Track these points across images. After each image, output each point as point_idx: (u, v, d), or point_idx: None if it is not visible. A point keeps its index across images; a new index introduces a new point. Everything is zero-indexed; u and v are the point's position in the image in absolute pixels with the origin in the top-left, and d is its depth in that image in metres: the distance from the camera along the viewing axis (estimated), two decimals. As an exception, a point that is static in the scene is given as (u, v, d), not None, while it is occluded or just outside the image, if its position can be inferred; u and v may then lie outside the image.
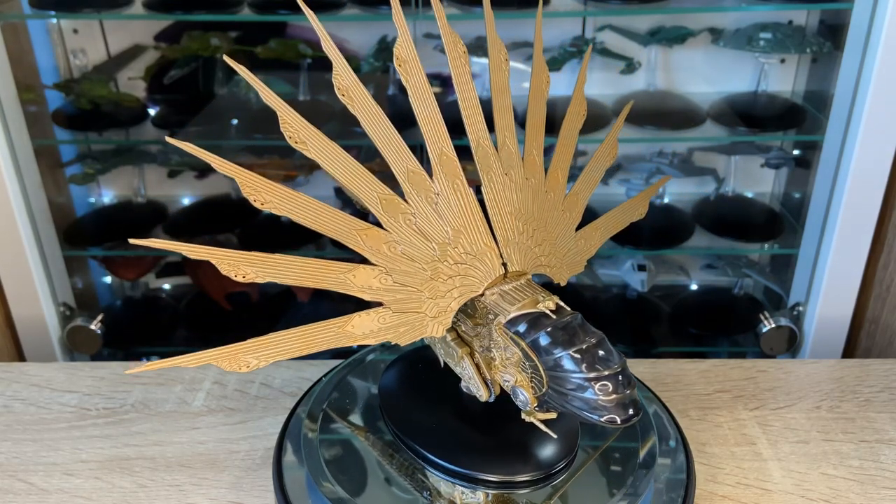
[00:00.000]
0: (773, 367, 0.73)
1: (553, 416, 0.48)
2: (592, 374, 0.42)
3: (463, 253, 0.48)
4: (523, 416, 0.48)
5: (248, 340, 0.44)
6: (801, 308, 0.95)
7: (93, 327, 0.97)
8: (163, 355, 1.15)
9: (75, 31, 0.98)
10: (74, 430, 0.66)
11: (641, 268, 1.04)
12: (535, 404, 0.46)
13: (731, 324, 1.06)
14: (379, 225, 0.47)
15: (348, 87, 0.45)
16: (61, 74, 0.99)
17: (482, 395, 0.51)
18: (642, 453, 0.56)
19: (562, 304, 0.47)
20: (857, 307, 0.91)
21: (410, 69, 0.47)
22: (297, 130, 0.43)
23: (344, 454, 0.56)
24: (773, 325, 0.96)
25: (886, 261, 0.87)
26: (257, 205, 0.42)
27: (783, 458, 0.62)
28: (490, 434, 0.54)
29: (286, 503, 0.53)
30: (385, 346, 0.67)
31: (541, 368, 0.44)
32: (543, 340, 0.44)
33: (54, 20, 0.96)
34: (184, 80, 0.98)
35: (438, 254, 0.47)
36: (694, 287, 1.11)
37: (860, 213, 0.85)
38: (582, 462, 0.54)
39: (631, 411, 0.42)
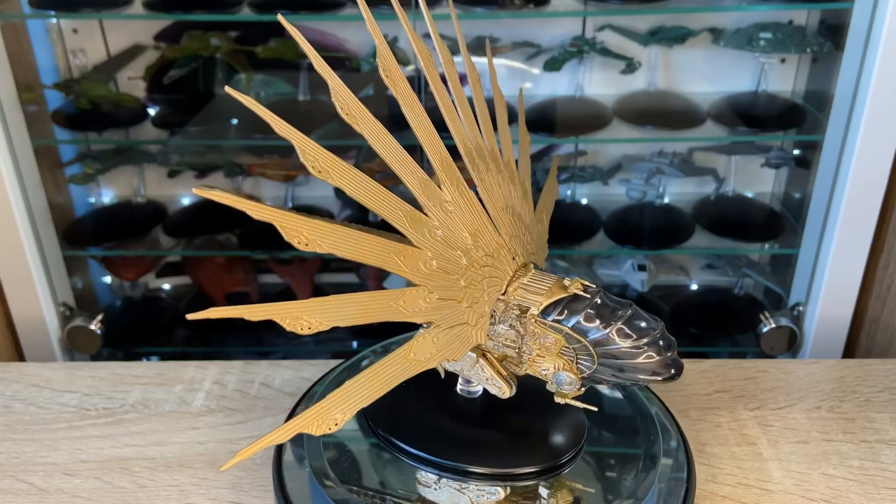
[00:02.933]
0: (774, 367, 0.73)
1: (581, 392, 0.49)
2: (640, 343, 0.46)
3: (483, 255, 0.48)
4: (557, 399, 0.50)
5: (327, 398, 0.44)
6: (801, 308, 0.95)
7: (92, 327, 0.97)
8: (163, 355, 1.15)
9: (75, 30, 0.98)
10: (74, 431, 0.65)
11: (641, 268, 1.04)
12: (580, 384, 0.48)
13: (731, 324, 1.06)
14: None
15: (350, 105, 0.44)
16: (61, 74, 0.99)
17: (505, 392, 0.51)
18: (645, 456, 0.56)
19: (585, 282, 0.48)
20: (858, 307, 0.91)
21: (395, 79, 0.46)
22: (317, 159, 0.43)
23: (345, 454, 0.56)
24: (774, 325, 0.96)
25: (886, 261, 0.87)
26: (301, 246, 0.42)
27: (783, 459, 0.62)
28: (495, 428, 0.54)
29: (286, 503, 0.53)
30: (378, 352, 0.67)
31: (591, 348, 0.46)
32: (588, 321, 0.46)
33: (54, 20, 0.96)
34: (184, 79, 0.98)
35: (466, 261, 0.48)
36: (694, 287, 1.11)
37: (860, 213, 0.85)
38: (585, 466, 0.54)
39: (673, 371, 0.46)
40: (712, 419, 0.66)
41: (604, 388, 0.62)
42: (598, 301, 0.47)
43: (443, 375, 0.55)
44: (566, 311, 0.47)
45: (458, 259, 0.47)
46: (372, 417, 0.56)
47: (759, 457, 0.62)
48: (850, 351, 0.94)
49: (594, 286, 0.48)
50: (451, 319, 0.47)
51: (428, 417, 0.55)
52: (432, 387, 0.56)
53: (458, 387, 0.56)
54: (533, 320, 0.48)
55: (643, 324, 0.46)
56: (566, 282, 0.48)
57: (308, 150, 0.42)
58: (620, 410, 0.61)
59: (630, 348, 0.46)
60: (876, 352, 0.91)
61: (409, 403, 0.56)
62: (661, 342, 0.46)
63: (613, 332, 0.46)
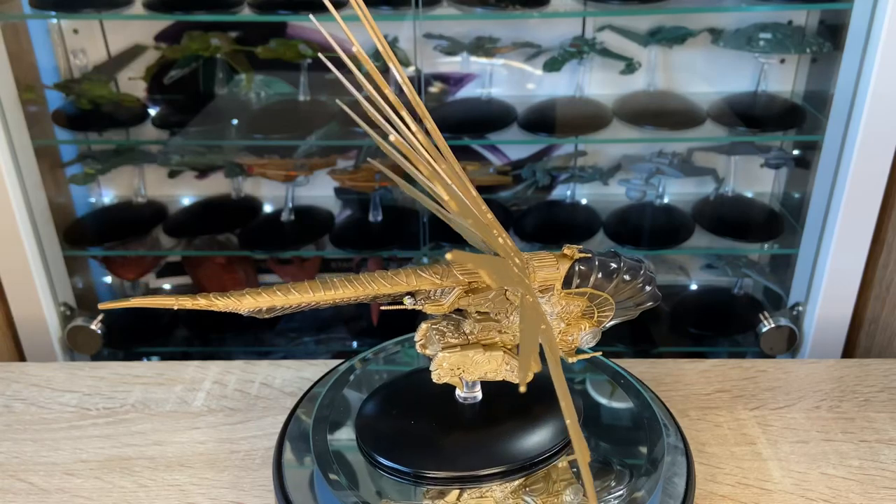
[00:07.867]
0: (773, 367, 0.73)
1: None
2: (637, 283, 0.52)
3: (510, 249, 0.49)
4: (569, 360, 0.53)
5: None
6: (800, 308, 0.95)
7: (93, 327, 0.97)
8: (163, 355, 1.15)
9: (75, 31, 0.98)
10: (74, 430, 0.66)
11: (641, 268, 1.04)
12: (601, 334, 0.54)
13: (731, 324, 1.06)
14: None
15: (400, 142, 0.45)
16: (61, 74, 1.00)
17: (530, 375, 0.52)
18: (645, 456, 0.56)
19: (575, 245, 0.52)
20: (857, 307, 0.91)
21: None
22: (454, 200, 0.44)
23: (346, 454, 0.56)
24: (773, 325, 0.96)
25: (886, 261, 0.87)
26: (494, 285, 0.43)
27: (783, 458, 0.62)
28: (497, 426, 0.54)
29: (286, 503, 0.53)
30: (366, 358, 0.66)
31: (610, 299, 0.52)
32: (602, 277, 0.52)
33: (54, 20, 0.96)
34: (184, 80, 0.98)
35: (518, 259, 0.48)
36: (694, 287, 1.11)
37: (860, 213, 0.85)
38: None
39: (651, 302, 0.54)
40: (712, 419, 0.66)
41: (604, 394, 0.62)
42: (597, 256, 0.52)
43: (462, 389, 0.55)
44: (582, 276, 0.51)
45: (514, 259, 0.48)
46: (388, 457, 0.53)
47: (759, 456, 0.62)
48: (849, 351, 0.94)
49: (580, 246, 0.52)
50: (542, 314, 0.48)
51: (429, 435, 0.54)
52: (417, 407, 0.56)
53: (459, 394, 0.55)
54: (560, 294, 0.50)
55: (637, 267, 0.53)
56: (566, 251, 0.51)
57: (447, 194, 0.44)
58: (620, 411, 0.61)
59: (632, 289, 0.53)
60: (875, 352, 0.91)
61: (401, 428, 0.55)
62: (647, 284, 0.53)
63: (621, 279, 0.52)
